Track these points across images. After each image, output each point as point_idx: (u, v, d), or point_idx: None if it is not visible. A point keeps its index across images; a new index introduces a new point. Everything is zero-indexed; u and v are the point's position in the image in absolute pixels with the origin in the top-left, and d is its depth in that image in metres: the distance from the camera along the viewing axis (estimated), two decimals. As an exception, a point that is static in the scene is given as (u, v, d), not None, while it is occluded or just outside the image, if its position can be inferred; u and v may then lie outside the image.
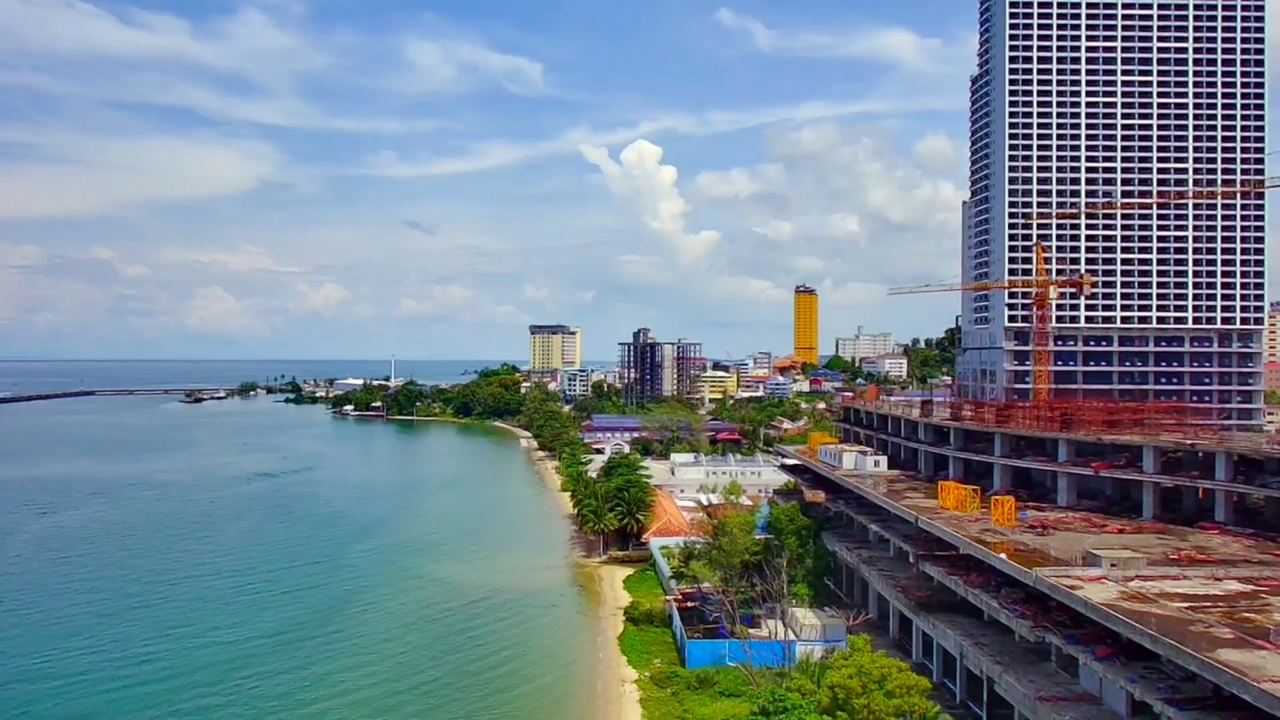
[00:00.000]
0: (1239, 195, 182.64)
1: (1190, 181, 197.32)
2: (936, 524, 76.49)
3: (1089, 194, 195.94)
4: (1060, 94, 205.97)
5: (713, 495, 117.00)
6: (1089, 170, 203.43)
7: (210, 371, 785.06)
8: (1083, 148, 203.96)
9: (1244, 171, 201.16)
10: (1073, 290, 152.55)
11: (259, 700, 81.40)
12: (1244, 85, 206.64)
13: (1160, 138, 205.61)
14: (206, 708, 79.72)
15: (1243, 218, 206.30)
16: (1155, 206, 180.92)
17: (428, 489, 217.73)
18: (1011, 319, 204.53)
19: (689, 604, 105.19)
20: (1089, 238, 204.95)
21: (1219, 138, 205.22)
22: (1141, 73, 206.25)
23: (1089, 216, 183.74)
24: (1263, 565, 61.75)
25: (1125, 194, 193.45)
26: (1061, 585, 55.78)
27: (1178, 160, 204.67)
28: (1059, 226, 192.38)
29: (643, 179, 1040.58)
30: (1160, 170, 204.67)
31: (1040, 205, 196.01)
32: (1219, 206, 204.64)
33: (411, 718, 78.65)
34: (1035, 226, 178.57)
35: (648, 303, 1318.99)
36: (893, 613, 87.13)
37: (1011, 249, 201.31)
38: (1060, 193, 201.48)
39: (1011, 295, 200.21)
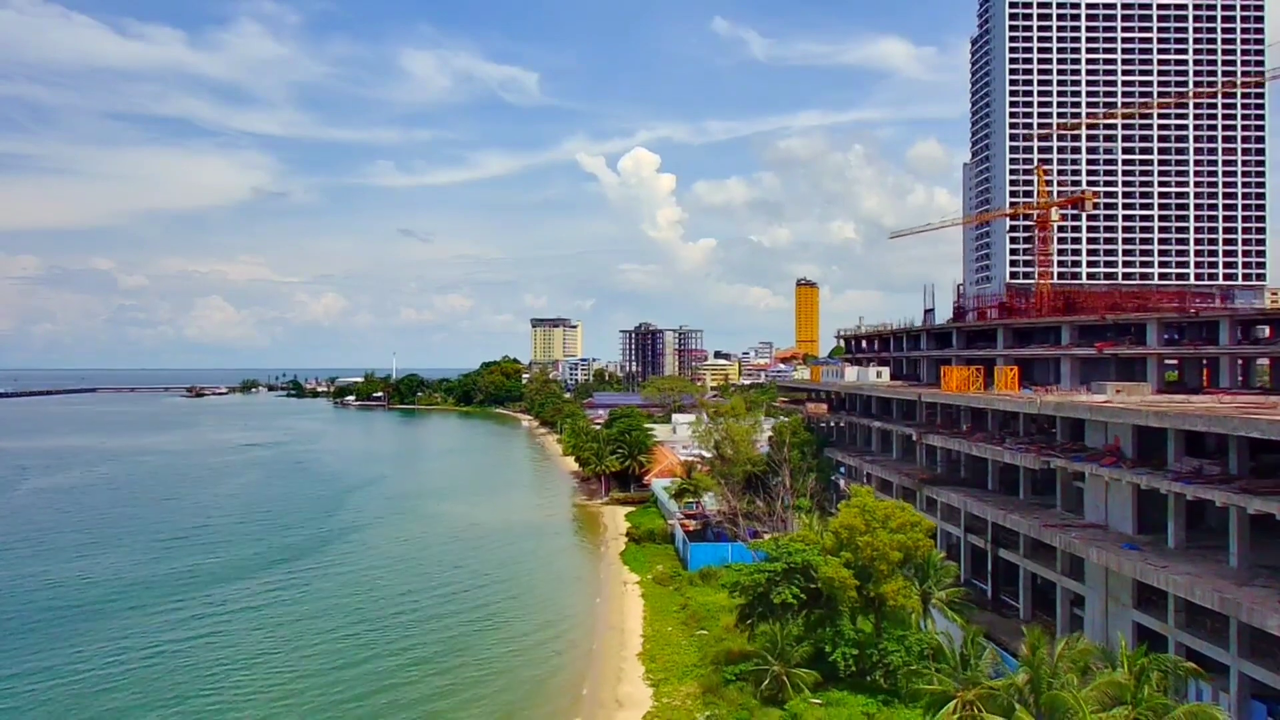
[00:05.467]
0: (1239, 90, 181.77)
1: (1190, 80, 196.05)
2: (939, 395, 75.95)
3: (1090, 114, 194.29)
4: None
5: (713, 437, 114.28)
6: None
7: (211, 379, 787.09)
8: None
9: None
10: (1074, 211, 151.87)
11: (291, 595, 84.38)
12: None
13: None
14: (249, 596, 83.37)
15: (1244, 169, 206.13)
16: (1156, 113, 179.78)
17: (430, 455, 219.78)
18: (1014, 275, 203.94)
19: (691, 524, 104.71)
20: (1090, 188, 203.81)
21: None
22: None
23: (1090, 138, 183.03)
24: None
25: (1126, 115, 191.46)
26: (1067, 403, 55.24)
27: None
28: (1060, 178, 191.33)
29: (640, 187, 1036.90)
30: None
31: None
32: (1220, 161, 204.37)
33: (414, 595, 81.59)
34: (1036, 149, 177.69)
35: (647, 310, 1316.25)
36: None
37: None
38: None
39: (1014, 251, 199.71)
